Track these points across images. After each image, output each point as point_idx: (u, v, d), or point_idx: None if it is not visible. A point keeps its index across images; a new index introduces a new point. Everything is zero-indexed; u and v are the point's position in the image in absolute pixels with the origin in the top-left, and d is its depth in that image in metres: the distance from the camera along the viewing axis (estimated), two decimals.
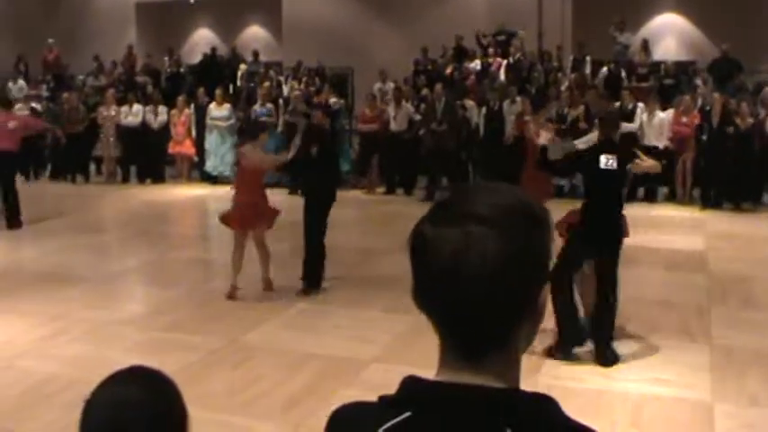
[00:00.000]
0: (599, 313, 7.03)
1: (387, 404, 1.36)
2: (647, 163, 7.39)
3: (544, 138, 8.29)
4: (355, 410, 1.44)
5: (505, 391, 1.33)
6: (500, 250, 1.28)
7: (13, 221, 13.04)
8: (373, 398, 1.43)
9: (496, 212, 1.31)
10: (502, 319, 1.32)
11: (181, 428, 1.89)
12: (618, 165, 7.06)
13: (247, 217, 9.04)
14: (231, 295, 8.98)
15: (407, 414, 1.32)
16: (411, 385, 1.37)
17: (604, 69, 17.87)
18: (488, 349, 1.33)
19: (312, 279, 9.22)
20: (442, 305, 1.32)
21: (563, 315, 6.98)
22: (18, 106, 19.29)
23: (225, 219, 9.26)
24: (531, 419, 1.29)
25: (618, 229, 7.12)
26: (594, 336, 7.07)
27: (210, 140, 17.71)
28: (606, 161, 7.03)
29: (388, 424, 1.32)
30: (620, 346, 7.21)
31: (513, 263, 1.28)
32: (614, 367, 6.88)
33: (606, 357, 6.90)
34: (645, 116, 15.33)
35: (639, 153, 7.48)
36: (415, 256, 1.36)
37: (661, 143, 15.12)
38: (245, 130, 9.76)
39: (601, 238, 7.08)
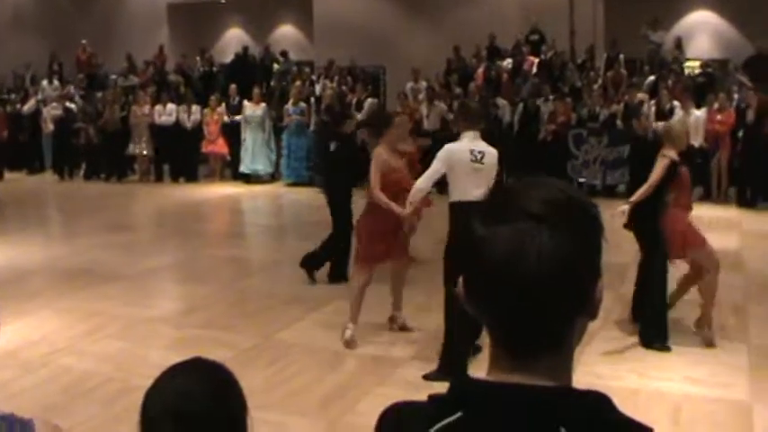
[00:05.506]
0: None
1: (438, 403, 1.32)
2: None
3: None
4: (405, 409, 1.39)
5: (558, 389, 1.29)
6: (556, 247, 1.23)
7: None
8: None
9: (549, 208, 1.26)
10: (558, 317, 1.28)
11: (240, 421, 1.90)
12: None
13: None
14: None
15: (459, 414, 1.28)
16: (463, 384, 1.32)
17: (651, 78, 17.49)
18: (542, 348, 1.29)
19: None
20: (497, 305, 1.27)
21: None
22: (53, 105, 19.50)
23: None
24: (585, 417, 1.26)
25: None
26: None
27: (246, 139, 17.75)
28: None
29: (440, 424, 1.28)
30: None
31: (570, 259, 1.24)
32: (651, 366, 6.85)
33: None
34: (681, 115, 15.20)
35: None
36: (466, 256, 1.31)
37: (697, 142, 14.99)
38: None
39: None
